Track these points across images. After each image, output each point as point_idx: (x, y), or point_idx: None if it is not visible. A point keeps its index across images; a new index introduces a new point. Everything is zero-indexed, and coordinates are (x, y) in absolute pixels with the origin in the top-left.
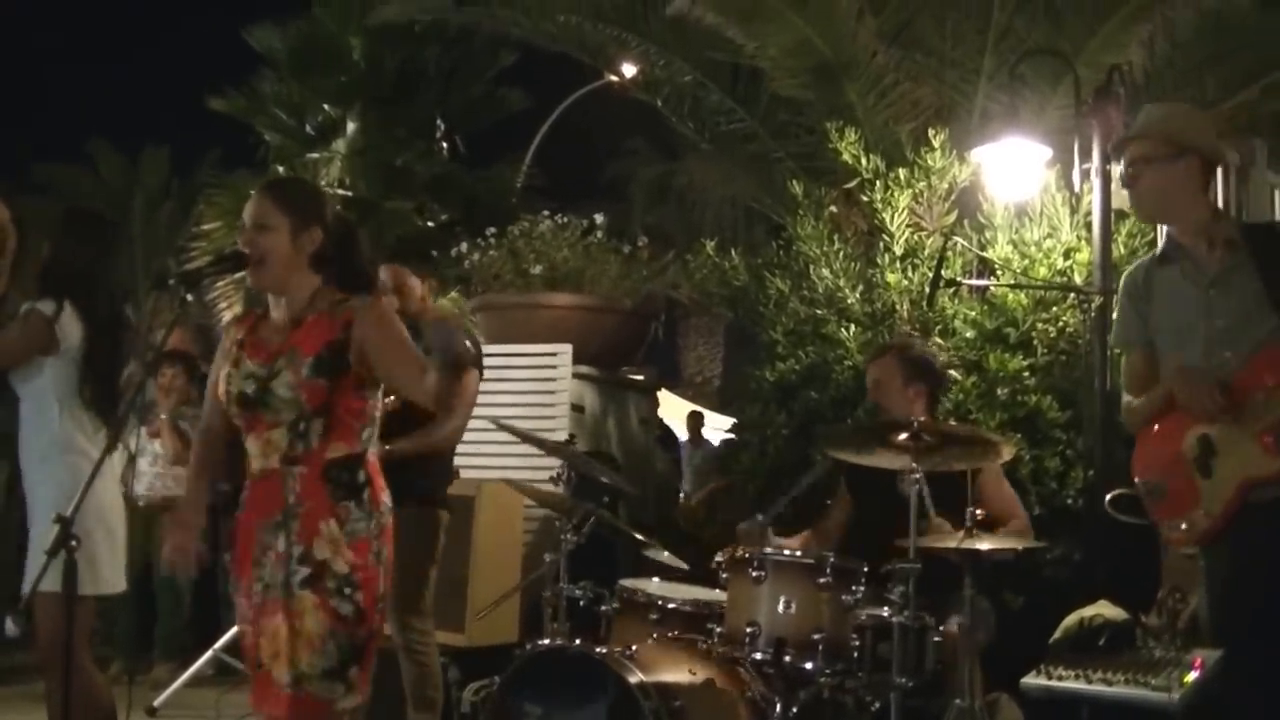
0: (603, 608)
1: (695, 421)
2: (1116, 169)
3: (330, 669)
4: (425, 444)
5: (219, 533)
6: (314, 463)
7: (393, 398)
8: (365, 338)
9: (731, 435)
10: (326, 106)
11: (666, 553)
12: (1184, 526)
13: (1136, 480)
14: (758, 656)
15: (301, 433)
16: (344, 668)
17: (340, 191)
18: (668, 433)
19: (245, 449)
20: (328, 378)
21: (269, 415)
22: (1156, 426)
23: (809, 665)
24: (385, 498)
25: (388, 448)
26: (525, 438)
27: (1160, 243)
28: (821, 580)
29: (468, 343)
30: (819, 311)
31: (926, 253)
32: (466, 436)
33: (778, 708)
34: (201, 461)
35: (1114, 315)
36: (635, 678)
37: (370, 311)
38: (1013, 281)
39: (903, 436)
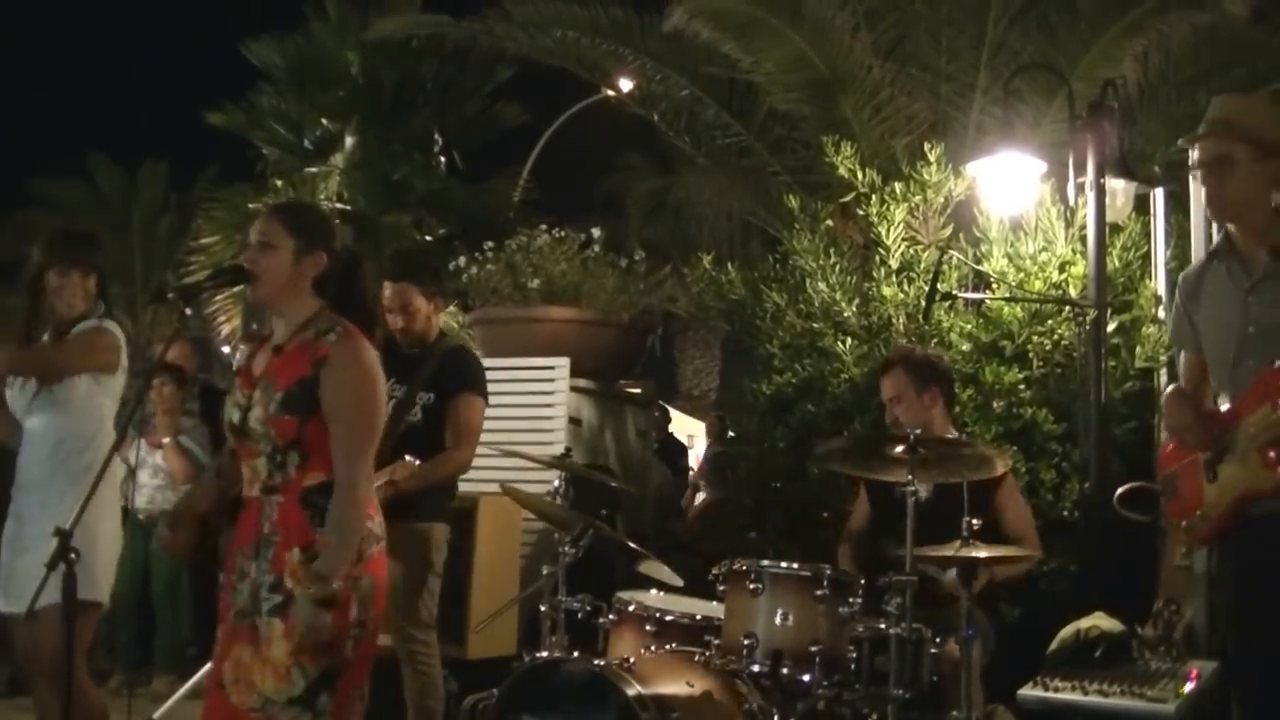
0: (601, 620)
1: (722, 424)
2: (1112, 183)
3: (295, 697)
4: (433, 478)
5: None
6: (291, 491)
7: None
8: (326, 385)
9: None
10: (324, 121)
11: (666, 569)
12: (1184, 525)
13: (1159, 476)
14: (755, 668)
15: (279, 463)
16: (311, 696)
17: (338, 206)
18: (676, 443)
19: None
20: (296, 414)
21: (251, 443)
22: None
23: (806, 677)
24: (367, 524)
25: (396, 484)
26: (524, 457)
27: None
28: (819, 592)
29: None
30: (815, 325)
31: (922, 266)
32: None
33: None
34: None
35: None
36: (633, 690)
37: (342, 355)
38: (1008, 295)
39: (899, 450)
